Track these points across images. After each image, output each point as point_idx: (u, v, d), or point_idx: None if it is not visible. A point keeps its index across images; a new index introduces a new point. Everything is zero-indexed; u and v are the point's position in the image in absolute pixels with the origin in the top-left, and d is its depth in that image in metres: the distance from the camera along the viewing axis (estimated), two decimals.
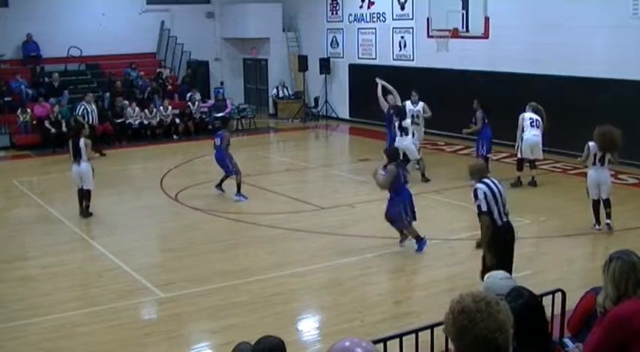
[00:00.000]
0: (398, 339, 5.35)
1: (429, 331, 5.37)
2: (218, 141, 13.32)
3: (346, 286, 8.81)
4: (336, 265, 9.55)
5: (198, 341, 7.73)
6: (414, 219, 9.88)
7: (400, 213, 9.80)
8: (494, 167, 14.17)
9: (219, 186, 13.45)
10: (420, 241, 9.94)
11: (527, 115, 13.19)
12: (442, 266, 9.43)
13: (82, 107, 18.36)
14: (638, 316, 3.87)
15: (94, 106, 18.59)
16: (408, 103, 14.59)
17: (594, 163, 10.57)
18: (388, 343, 5.30)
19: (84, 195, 12.23)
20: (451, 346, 2.69)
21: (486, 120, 13.97)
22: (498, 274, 4.42)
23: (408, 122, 13.79)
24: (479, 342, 2.50)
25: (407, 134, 13.61)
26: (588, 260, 9.74)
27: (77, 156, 12.08)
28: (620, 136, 10.39)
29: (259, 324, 7.50)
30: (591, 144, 10.49)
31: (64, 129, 18.81)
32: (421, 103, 14.73)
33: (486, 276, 4.42)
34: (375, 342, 4.95)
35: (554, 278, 8.30)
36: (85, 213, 12.21)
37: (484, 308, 2.51)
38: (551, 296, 5.79)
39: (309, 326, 8.01)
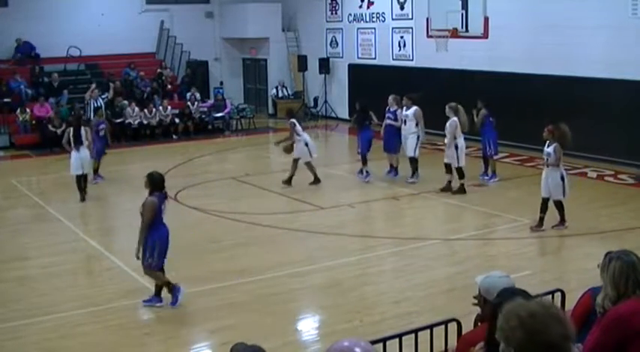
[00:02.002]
0: (397, 339, 5.36)
1: (428, 331, 5.38)
2: (103, 131, 14.84)
3: (345, 286, 8.80)
4: (336, 265, 9.54)
5: (198, 341, 7.73)
6: (160, 264, 8.14)
7: (145, 253, 8.00)
8: (497, 166, 14.17)
9: (97, 173, 14.67)
10: (174, 289, 8.13)
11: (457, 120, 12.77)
12: (441, 267, 9.42)
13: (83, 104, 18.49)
14: (637, 316, 3.87)
15: (100, 102, 18.76)
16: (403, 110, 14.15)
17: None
18: (387, 343, 5.30)
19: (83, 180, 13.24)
20: (451, 346, 2.68)
21: (491, 119, 13.77)
22: (496, 273, 4.42)
23: None
24: (548, 348, 2.44)
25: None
26: (588, 260, 9.71)
27: (77, 143, 13.03)
28: None
29: (258, 324, 7.52)
30: (555, 144, 10.26)
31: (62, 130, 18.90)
32: (413, 109, 13.84)
33: (484, 276, 4.37)
34: (375, 342, 4.96)
35: (554, 278, 8.33)
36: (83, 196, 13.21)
37: (555, 312, 2.48)
38: (550, 296, 5.79)
39: (308, 326, 8.02)
